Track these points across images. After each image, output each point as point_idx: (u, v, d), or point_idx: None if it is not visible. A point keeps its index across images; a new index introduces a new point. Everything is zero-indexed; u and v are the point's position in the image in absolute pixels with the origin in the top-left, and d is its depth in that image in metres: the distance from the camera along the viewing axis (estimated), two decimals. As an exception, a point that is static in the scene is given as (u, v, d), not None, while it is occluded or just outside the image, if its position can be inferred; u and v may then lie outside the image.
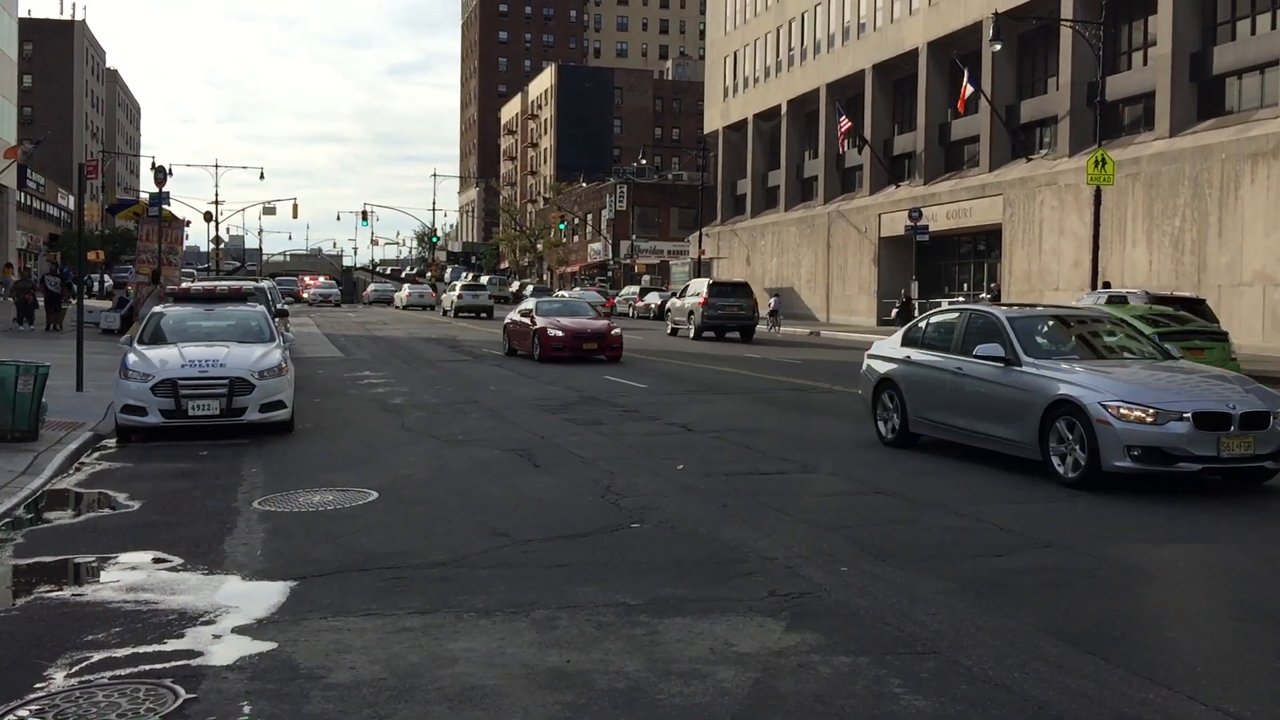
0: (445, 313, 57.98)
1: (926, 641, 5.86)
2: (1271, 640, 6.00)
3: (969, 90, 42.13)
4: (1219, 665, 5.59)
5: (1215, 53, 35.58)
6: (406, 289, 72.70)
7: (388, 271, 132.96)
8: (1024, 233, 41.83)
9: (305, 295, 74.02)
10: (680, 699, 5.05)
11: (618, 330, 26.95)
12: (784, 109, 62.23)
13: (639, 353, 30.43)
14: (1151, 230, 35.52)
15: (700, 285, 39.68)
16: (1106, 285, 30.22)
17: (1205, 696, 5.08)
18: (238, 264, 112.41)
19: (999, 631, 6.02)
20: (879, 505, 9.59)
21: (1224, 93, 35.70)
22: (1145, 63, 38.46)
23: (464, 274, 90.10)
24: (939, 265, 49.50)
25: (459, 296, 57.04)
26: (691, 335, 38.05)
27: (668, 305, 45.01)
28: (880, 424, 13.38)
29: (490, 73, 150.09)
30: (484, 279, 78.66)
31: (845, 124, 50.34)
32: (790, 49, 61.80)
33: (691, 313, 38.45)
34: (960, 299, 44.74)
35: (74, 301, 24.05)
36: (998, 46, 40.16)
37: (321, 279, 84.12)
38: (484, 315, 55.50)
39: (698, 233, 68.11)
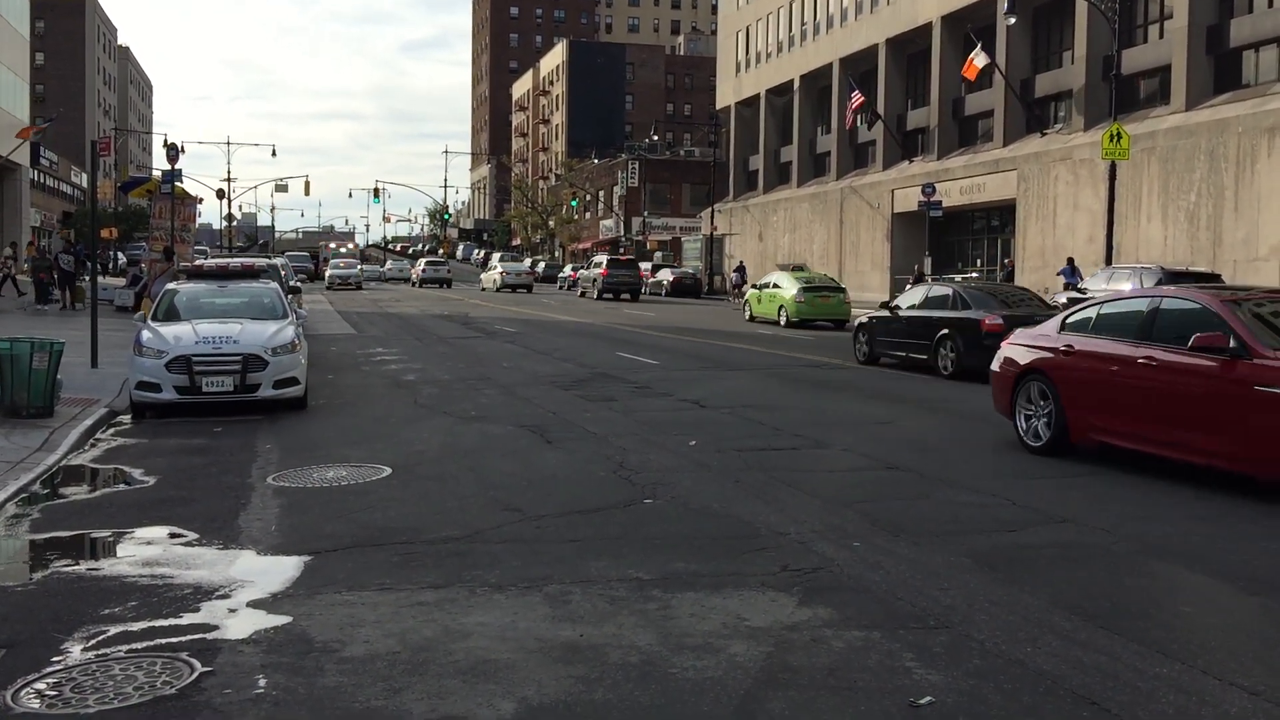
0: (583, 293, 56.03)
1: (939, 616, 5.86)
2: (1286, 615, 5.98)
3: (980, 60, 41.72)
4: (1233, 640, 5.58)
5: (1232, 25, 35.23)
6: (422, 264, 70.36)
7: (398, 248, 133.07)
8: (1038, 208, 41.61)
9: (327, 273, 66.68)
10: (693, 673, 5.06)
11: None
12: (797, 84, 61.87)
13: (649, 329, 30.43)
14: (1167, 205, 35.29)
15: (601, 259, 55.43)
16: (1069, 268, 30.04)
17: (1219, 671, 5.07)
18: (252, 243, 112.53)
19: (1012, 606, 6.01)
20: (892, 481, 9.59)
21: (1240, 66, 35.36)
22: (1161, 36, 38.11)
23: (496, 253, 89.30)
24: (952, 241, 49.28)
25: (502, 275, 61.52)
26: (595, 296, 51.98)
27: (579, 275, 60.22)
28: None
29: (501, 49, 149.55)
30: (527, 260, 77.92)
31: (857, 99, 50.03)
32: (803, 23, 61.40)
33: (595, 280, 52.89)
34: (974, 274, 44.56)
35: (87, 279, 24.13)
36: (1012, 20, 39.83)
37: (346, 249, 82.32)
38: (524, 292, 60.15)
39: (710, 209, 67.87)
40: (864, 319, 21.83)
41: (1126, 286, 25.79)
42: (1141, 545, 7.40)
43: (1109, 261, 31.45)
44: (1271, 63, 34.19)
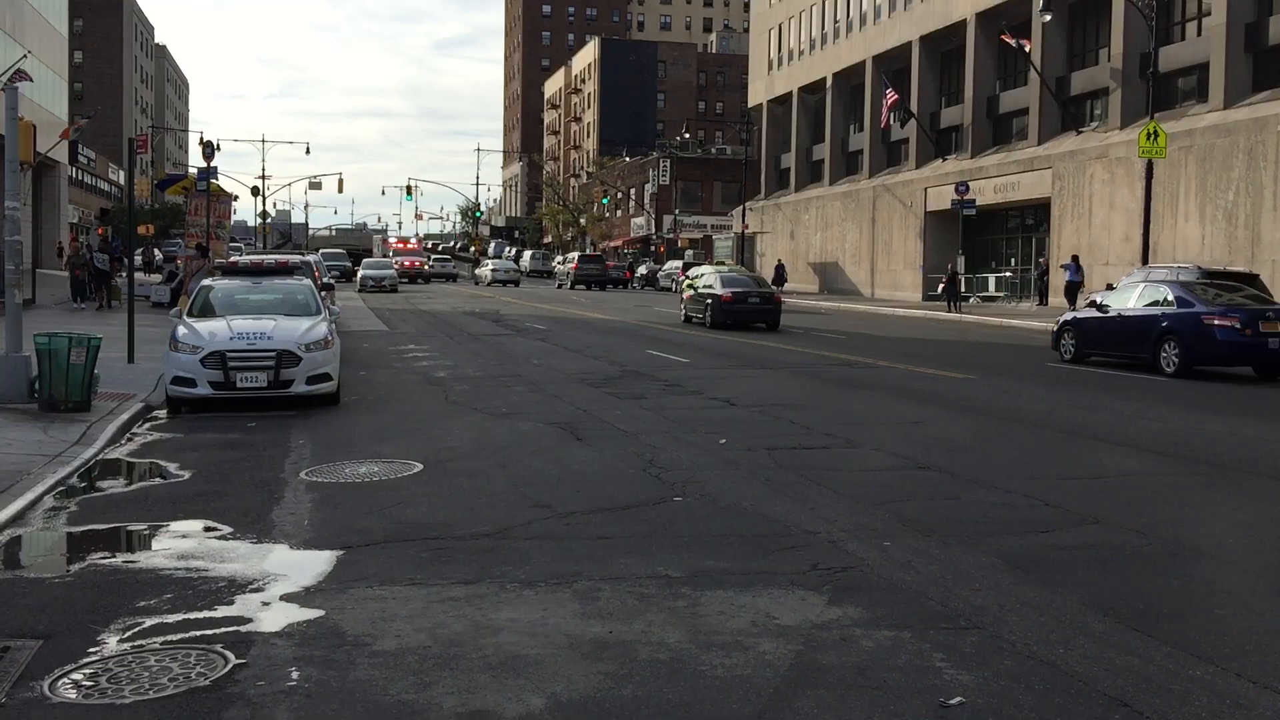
0: (560, 285, 66.51)
1: (970, 617, 5.84)
2: (1323, 619, 5.92)
3: (1025, 44, 41.12)
4: (1269, 643, 5.52)
5: (1270, 22, 34.78)
6: (491, 264, 70.01)
7: (433, 246, 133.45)
8: (1073, 206, 41.26)
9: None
10: (722, 670, 5.07)
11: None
12: (829, 82, 61.64)
13: (680, 327, 30.40)
14: (1204, 204, 34.91)
15: (574, 256, 70.13)
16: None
17: (1254, 674, 5.02)
18: (286, 239, 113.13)
19: (1044, 608, 5.98)
20: (923, 481, 9.55)
21: (1279, 63, 34.94)
22: (1199, 33, 37.68)
23: (528, 251, 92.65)
24: (985, 240, 48.94)
25: (493, 271, 67.18)
26: (568, 286, 63.56)
27: (554, 269, 75.11)
28: None
29: (533, 47, 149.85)
30: (513, 254, 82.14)
31: (891, 96, 49.79)
32: (836, 21, 61.16)
33: (569, 273, 65.60)
34: (1009, 273, 44.22)
35: (124, 275, 24.37)
36: (1048, 17, 39.54)
37: (412, 242, 74.95)
38: (513, 286, 65.03)
39: (741, 207, 67.75)
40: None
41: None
42: (1175, 547, 7.33)
43: (1145, 261, 31.16)
44: (1312, 60, 33.74)
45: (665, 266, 68.56)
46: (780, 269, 58.00)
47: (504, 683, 4.91)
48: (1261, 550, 7.43)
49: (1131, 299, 20.91)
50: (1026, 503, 8.61)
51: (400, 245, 74.44)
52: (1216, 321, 18.83)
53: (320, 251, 70.94)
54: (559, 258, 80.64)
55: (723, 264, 48.71)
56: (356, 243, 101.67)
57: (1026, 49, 41.98)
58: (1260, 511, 8.59)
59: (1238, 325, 18.74)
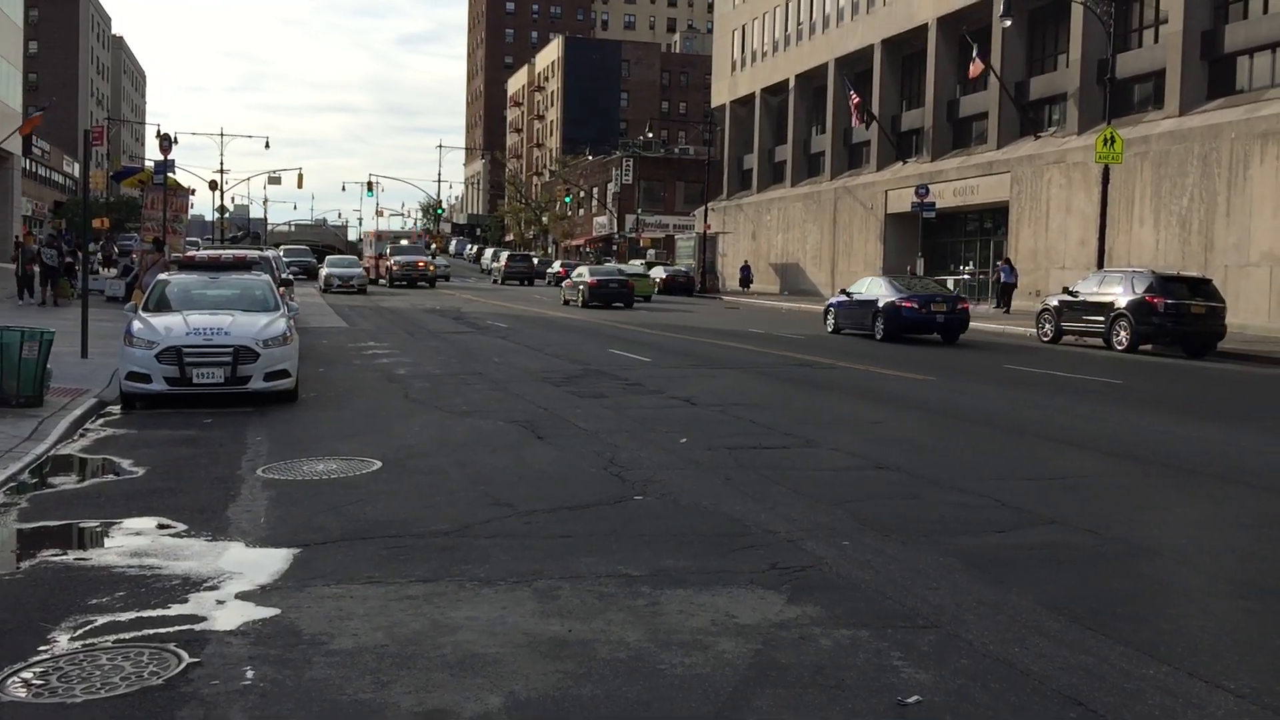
0: (495, 280, 68.52)
1: (928, 616, 5.87)
2: (1272, 618, 6.01)
3: (978, 66, 41.83)
4: (1220, 642, 5.60)
5: (1226, 31, 35.34)
6: (504, 257, 71.30)
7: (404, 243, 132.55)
8: (1031, 210, 41.69)
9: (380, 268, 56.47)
10: (681, 669, 5.07)
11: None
12: (792, 83, 61.91)
13: (642, 326, 30.43)
14: (1159, 209, 35.38)
15: (503, 254, 74.05)
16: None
17: (1206, 673, 5.09)
18: (245, 234, 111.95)
19: (1000, 607, 6.03)
20: (881, 480, 9.60)
21: (1234, 71, 35.48)
22: (1156, 40, 38.21)
23: (490, 249, 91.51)
24: (945, 242, 49.35)
25: (505, 265, 69.03)
26: (501, 281, 68.21)
27: (485, 266, 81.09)
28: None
29: (497, 44, 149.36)
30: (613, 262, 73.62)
31: (854, 99, 50.10)
32: (799, 23, 61.43)
33: (500, 268, 70.57)
34: (967, 276, 44.70)
35: (79, 269, 24.03)
36: (1008, 22, 39.88)
37: (407, 241, 60.36)
38: (526, 283, 66.40)
39: (703, 207, 67.88)
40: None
41: (1118, 289, 25.91)
42: (1129, 547, 7.42)
43: (1100, 265, 31.56)
44: (1265, 69, 34.30)
45: (627, 265, 68.74)
46: (746, 270, 58.23)
47: (462, 682, 4.88)
48: (1214, 550, 7.53)
49: (863, 290, 29.06)
50: (983, 502, 8.68)
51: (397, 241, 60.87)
52: (904, 304, 26.90)
53: (282, 247, 70.13)
54: (489, 253, 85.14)
55: (598, 263, 62.49)
56: (316, 238, 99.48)
57: (973, 75, 42.68)
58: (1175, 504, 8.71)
59: (916, 306, 26.91)
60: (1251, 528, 8.15)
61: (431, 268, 56.32)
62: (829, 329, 29.69)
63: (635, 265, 57.20)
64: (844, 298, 29.71)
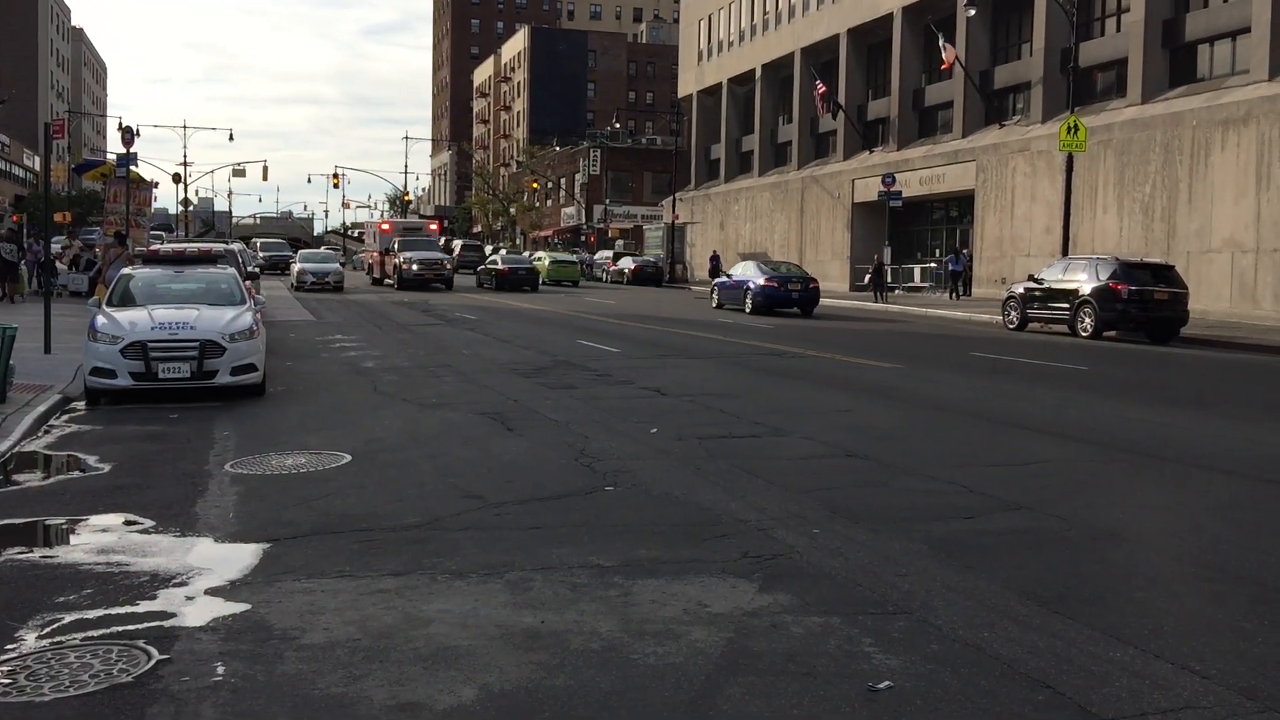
0: (481, 285, 59.83)
1: (898, 602, 5.92)
2: (1236, 600, 6.10)
3: (951, 52, 42.01)
4: (1185, 625, 5.68)
5: (1187, 19, 35.68)
6: (459, 246, 68.87)
7: (359, 235, 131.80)
8: (996, 199, 41.96)
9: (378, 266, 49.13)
10: (654, 659, 5.08)
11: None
12: (758, 73, 61.98)
13: (611, 317, 30.44)
14: (1122, 197, 35.71)
15: (456, 244, 70.01)
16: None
17: (1172, 655, 5.16)
18: (209, 228, 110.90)
19: (969, 592, 6.08)
20: (851, 468, 9.66)
21: (1195, 60, 35.83)
22: (1118, 29, 38.52)
23: (457, 241, 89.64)
24: (912, 231, 49.60)
25: (459, 254, 63.54)
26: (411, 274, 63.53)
27: (399, 259, 79.49)
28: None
29: (463, 34, 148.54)
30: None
31: (821, 88, 50.23)
32: (765, 12, 61.47)
33: (454, 258, 61.75)
34: (934, 264, 44.95)
35: (40, 266, 23.69)
36: (972, 12, 40.13)
37: (423, 234, 49.93)
38: (527, 290, 55.03)
39: (671, 197, 67.90)
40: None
41: (1082, 276, 26.16)
42: (1095, 531, 7.50)
43: (1065, 252, 31.84)
44: (1225, 56, 34.66)
45: (596, 256, 68.83)
46: (715, 260, 58.37)
47: (435, 674, 4.88)
48: (1178, 534, 7.63)
49: (738, 273, 35.79)
50: (951, 489, 8.75)
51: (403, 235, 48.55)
52: (767, 284, 33.40)
53: (259, 241, 69.28)
54: (457, 245, 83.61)
55: (505, 249, 65.79)
56: (282, 231, 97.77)
57: (944, 67, 43.09)
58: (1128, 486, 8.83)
59: (776, 285, 33.47)
60: (1214, 511, 8.26)
61: (449, 266, 46.94)
62: (713, 305, 36.65)
63: (540, 256, 59.15)
64: (726, 279, 37.21)
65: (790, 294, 33.72)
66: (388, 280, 46.89)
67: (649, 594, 6.03)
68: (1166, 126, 34.10)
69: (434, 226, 56.30)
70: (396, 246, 46.07)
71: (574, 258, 60.66)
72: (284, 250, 63.60)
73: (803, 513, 7.86)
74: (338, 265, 46.69)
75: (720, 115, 67.11)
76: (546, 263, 55.21)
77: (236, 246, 33.15)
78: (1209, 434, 11.97)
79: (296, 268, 45.88)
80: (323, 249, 65.10)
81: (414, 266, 44.49)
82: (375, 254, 50.34)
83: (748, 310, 33.53)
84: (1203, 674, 4.93)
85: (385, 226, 50.22)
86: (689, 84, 71.50)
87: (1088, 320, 25.69)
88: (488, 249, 71.53)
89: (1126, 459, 10.31)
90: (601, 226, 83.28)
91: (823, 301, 38.95)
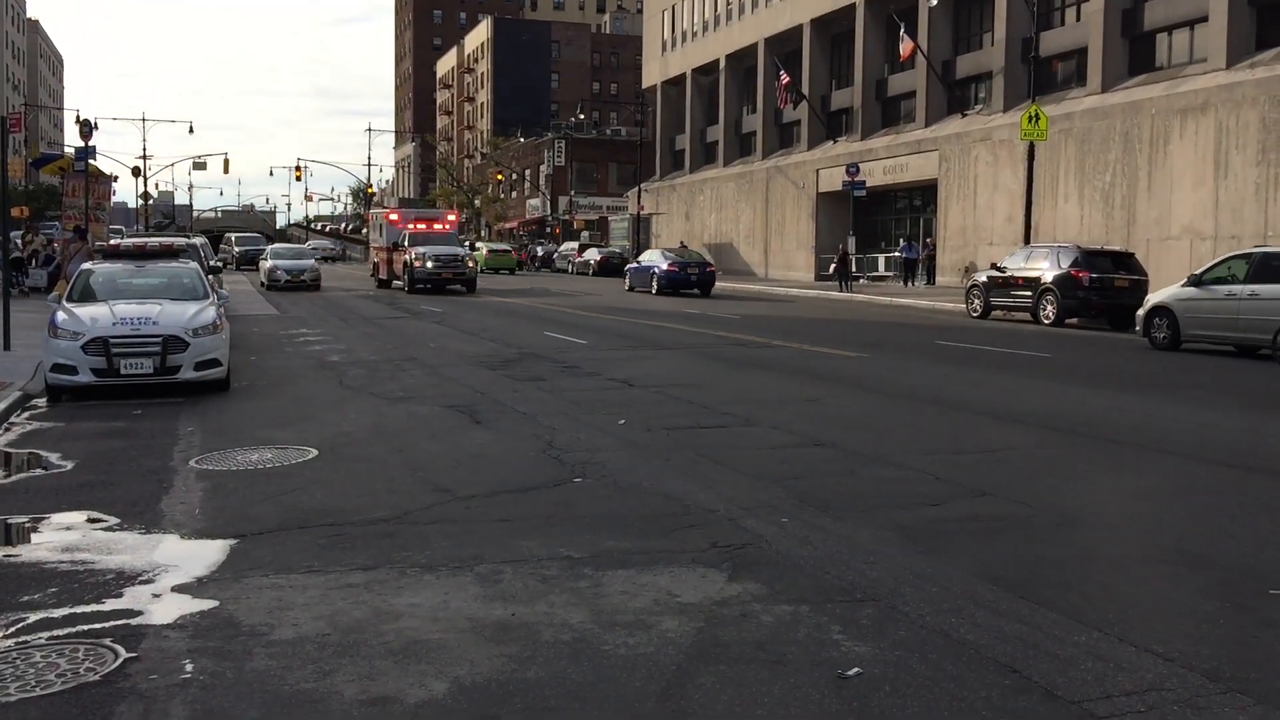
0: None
1: (866, 589, 5.96)
2: (1197, 582, 6.19)
3: (909, 45, 42.27)
4: (1149, 608, 5.76)
5: (1146, 9, 36.01)
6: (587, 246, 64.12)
7: (324, 228, 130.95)
8: (959, 188, 42.24)
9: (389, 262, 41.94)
10: (625, 649, 5.10)
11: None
12: (722, 64, 62.01)
13: (578, 309, 30.39)
14: (1083, 185, 36.04)
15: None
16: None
17: (1135, 638, 5.23)
18: (170, 221, 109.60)
19: (936, 579, 6.14)
20: (818, 457, 9.71)
21: (1154, 49, 36.19)
22: (1078, 19, 38.83)
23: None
24: (876, 220, 49.85)
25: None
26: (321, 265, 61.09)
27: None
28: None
29: (425, 25, 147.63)
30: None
31: (785, 79, 50.34)
32: (728, 3, 61.49)
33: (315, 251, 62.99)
34: (898, 253, 45.24)
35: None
36: (934, 2, 40.32)
37: (439, 227, 41.57)
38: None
39: (636, 188, 67.86)
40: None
41: (1044, 264, 26.40)
42: (1059, 516, 7.59)
43: (1027, 240, 32.10)
44: (1184, 45, 35.03)
45: (562, 248, 68.75)
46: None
47: (406, 668, 4.87)
48: (1140, 518, 7.73)
49: (645, 259, 41.79)
50: (918, 477, 8.82)
51: (416, 225, 40.77)
52: (670, 268, 38.59)
53: (235, 236, 68.47)
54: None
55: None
56: (244, 224, 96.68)
57: (902, 58, 43.42)
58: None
59: (677, 269, 38.60)
60: (1174, 495, 8.38)
61: (471, 264, 38.97)
62: (625, 288, 41.05)
63: (479, 246, 62.53)
64: (636, 265, 42.37)
65: (690, 277, 38.76)
66: (396, 282, 39.94)
67: (619, 585, 6.05)
68: (1126, 115, 34.44)
69: (453, 216, 45.31)
70: (407, 241, 38.56)
71: (508, 247, 66.90)
72: (260, 245, 61.13)
73: (771, 502, 7.90)
74: (313, 261, 43.10)
75: (685, 106, 67.11)
76: (484, 252, 59.14)
77: (198, 240, 32.78)
78: (1167, 418, 12.13)
79: (267, 264, 41.93)
80: (309, 245, 62.43)
81: (428, 264, 36.99)
82: (382, 249, 42.70)
83: (654, 291, 38.25)
84: (1166, 656, 5.00)
85: (394, 217, 42.29)
86: (653, 74, 71.43)
87: (1050, 308, 25.93)
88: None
89: (1088, 444, 10.42)
90: (567, 218, 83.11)
91: (788, 292, 39.36)
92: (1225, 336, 19.63)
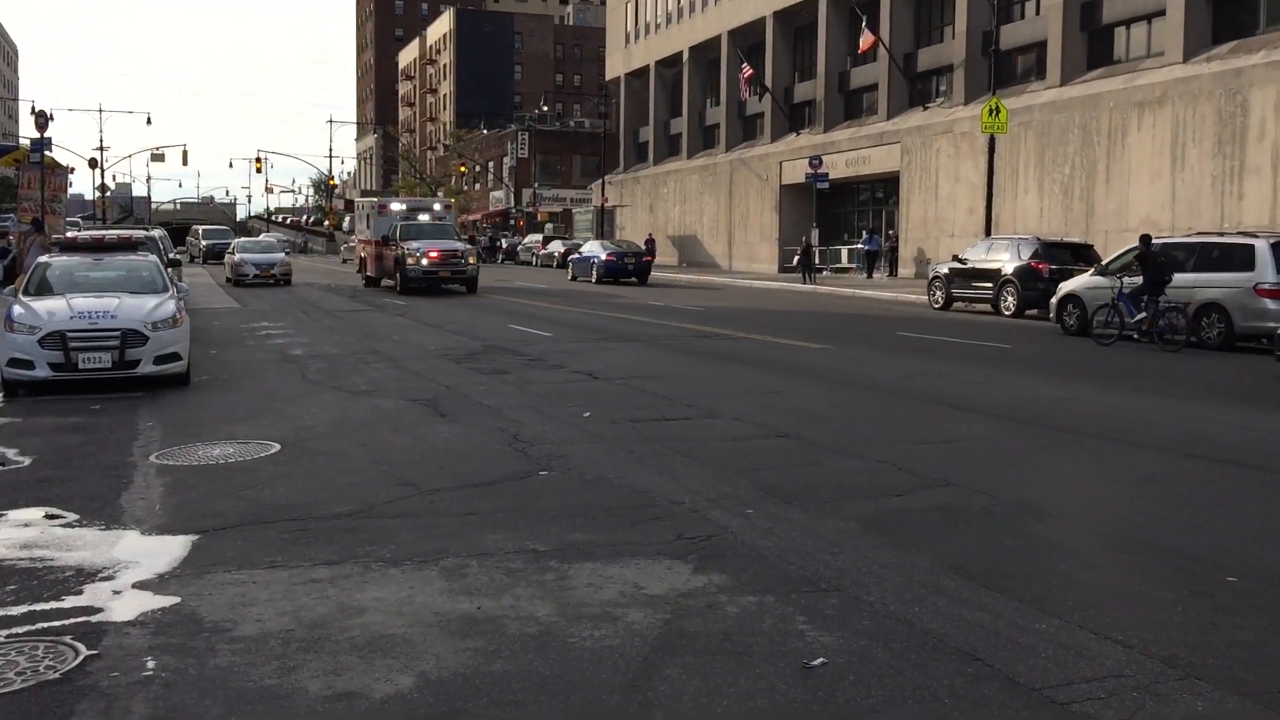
0: (345, 260, 61.22)
1: (830, 580, 6.00)
2: (1154, 571, 6.27)
3: (869, 38, 42.44)
4: (1108, 596, 5.83)
5: (1105, 2, 36.34)
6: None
7: (284, 220, 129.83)
8: (921, 180, 42.49)
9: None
10: (591, 642, 5.11)
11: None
12: (686, 56, 61.98)
13: (541, 301, 30.33)
14: (1043, 178, 36.36)
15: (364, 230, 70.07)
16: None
17: (1095, 626, 5.30)
18: (127, 214, 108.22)
19: (899, 568, 6.19)
20: (782, 449, 9.75)
21: (1113, 42, 36.53)
22: (1038, 12, 39.13)
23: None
24: (839, 212, 50.05)
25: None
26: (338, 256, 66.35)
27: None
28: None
29: (387, 16, 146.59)
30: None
31: (747, 71, 50.41)
32: (691, -6, 61.47)
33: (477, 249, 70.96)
34: (861, 244, 45.47)
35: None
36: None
37: (432, 212, 37.54)
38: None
39: (600, 180, 67.76)
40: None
41: (1005, 256, 26.63)
42: (1019, 506, 7.67)
43: (988, 232, 32.36)
44: (1142, 40, 35.39)
45: (526, 240, 68.58)
46: (650, 243, 58.48)
47: (371, 663, 4.85)
48: (1098, 507, 7.83)
49: (586, 250, 44.48)
50: (881, 468, 8.88)
51: (409, 216, 36.91)
52: (609, 258, 41.35)
53: (202, 229, 67.70)
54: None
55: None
56: (204, 216, 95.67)
57: (861, 51, 43.74)
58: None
59: (615, 259, 41.30)
60: (1131, 484, 8.49)
61: (472, 260, 34.12)
62: (569, 278, 43.59)
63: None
64: (578, 255, 44.71)
65: (627, 266, 41.59)
66: (387, 280, 35.56)
67: (585, 577, 6.05)
68: (1085, 108, 34.77)
69: (449, 206, 41.16)
70: (399, 234, 34.02)
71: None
72: (227, 238, 58.01)
73: (736, 493, 7.93)
74: (284, 255, 41.07)
75: (648, 98, 67.03)
76: None
77: (157, 233, 32.35)
78: (1123, 408, 12.28)
79: (234, 258, 39.50)
80: (266, 238, 55.00)
81: (423, 261, 32.68)
82: (369, 244, 37.60)
83: (594, 280, 41.28)
84: (1125, 643, 5.07)
85: (384, 206, 38.23)
86: (616, 66, 71.30)
87: (1010, 299, 26.16)
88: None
89: (1047, 435, 10.54)
90: (531, 210, 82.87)
91: (747, 283, 39.51)
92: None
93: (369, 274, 37.51)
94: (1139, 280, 19.71)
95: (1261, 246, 18.98)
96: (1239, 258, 19.23)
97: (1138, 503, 7.89)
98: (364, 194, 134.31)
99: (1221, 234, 21.94)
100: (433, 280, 33.13)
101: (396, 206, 38.21)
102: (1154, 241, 20.61)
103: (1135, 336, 19.57)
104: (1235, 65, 30.08)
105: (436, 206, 39.00)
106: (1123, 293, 19.91)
